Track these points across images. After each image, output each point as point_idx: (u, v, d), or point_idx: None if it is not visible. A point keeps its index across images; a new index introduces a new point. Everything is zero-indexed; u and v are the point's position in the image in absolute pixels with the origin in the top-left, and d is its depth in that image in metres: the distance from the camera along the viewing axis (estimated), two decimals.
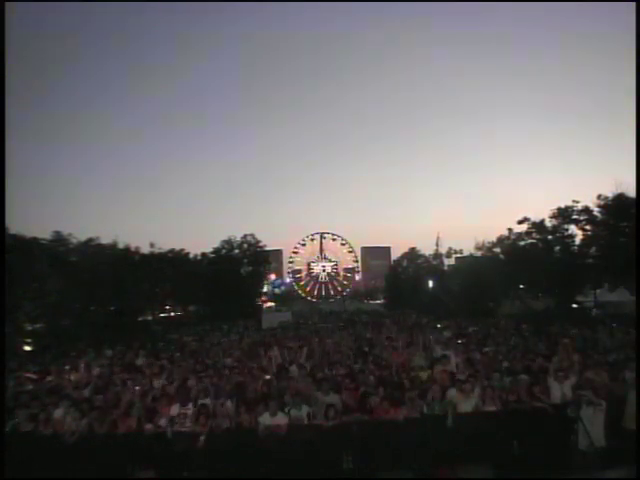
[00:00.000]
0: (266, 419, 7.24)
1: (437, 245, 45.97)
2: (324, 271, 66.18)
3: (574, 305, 31.55)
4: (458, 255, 50.00)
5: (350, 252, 65.51)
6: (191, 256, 49.44)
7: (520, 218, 38.09)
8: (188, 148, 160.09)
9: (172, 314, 42.74)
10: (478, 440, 6.86)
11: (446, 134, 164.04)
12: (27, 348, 22.69)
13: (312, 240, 65.75)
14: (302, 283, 65.38)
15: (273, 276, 65.29)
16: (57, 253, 30.55)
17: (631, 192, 27.18)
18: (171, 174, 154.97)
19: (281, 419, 7.23)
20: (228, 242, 56.74)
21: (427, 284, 43.70)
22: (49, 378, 11.70)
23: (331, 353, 13.38)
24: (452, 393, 7.66)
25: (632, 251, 19.89)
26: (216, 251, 50.80)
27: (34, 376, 12.11)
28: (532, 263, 32.15)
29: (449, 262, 50.25)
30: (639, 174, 10.80)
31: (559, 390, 7.62)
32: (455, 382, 8.09)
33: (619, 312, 25.91)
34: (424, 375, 9.54)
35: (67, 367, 12.94)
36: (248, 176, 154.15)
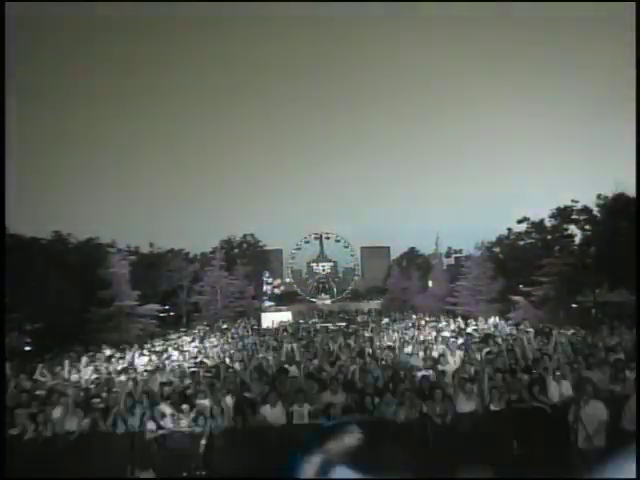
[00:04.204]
0: (266, 410, 7.28)
1: (436, 245, 45.96)
2: (324, 271, 66.16)
3: (573, 305, 31.57)
4: (457, 255, 50.01)
5: (352, 256, 65.61)
6: (191, 256, 49.50)
7: (520, 218, 38.20)
8: (188, 147, 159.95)
9: (171, 314, 42.69)
10: (478, 440, 6.86)
11: (446, 134, 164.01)
12: (26, 348, 22.67)
13: (315, 239, 65.77)
14: (302, 283, 65.42)
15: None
16: (56, 253, 30.55)
17: (631, 192, 27.21)
18: (171, 174, 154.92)
19: (281, 410, 7.29)
20: (228, 242, 56.77)
21: (426, 284, 43.69)
22: (48, 378, 11.69)
23: (331, 353, 13.37)
24: (452, 393, 7.66)
25: (632, 251, 19.88)
26: (214, 251, 50.85)
27: (34, 376, 12.09)
28: (531, 262, 32.17)
29: (448, 262, 50.31)
30: (639, 174, 10.82)
31: (558, 390, 7.62)
32: (455, 382, 8.10)
33: (619, 312, 25.89)
34: (423, 375, 9.54)
35: (66, 366, 12.92)
36: (248, 176, 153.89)
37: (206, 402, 7.84)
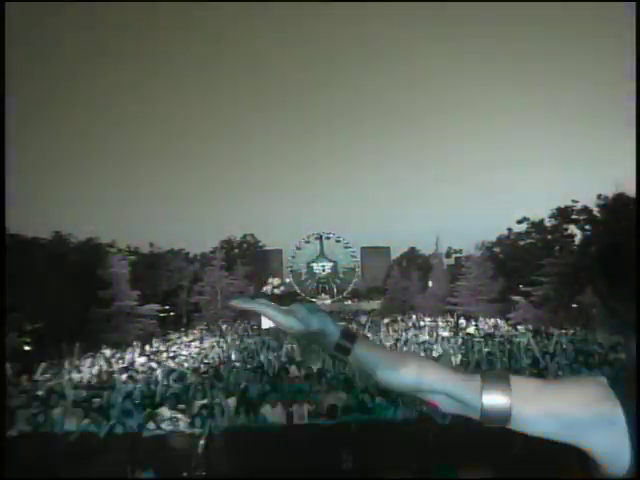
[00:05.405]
0: (266, 410, 7.29)
1: (436, 245, 45.98)
2: (324, 271, 66.08)
3: (573, 305, 31.60)
4: (457, 255, 50.09)
5: (352, 256, 65.63)
6: (191, 256, 49.52)
7: (520, 218, 38.22)
8: (188, 147, 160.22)
9: (171, 314, 42.70)
10: (478, 440, 6.85)
11: (446, 134, 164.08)
12: (26, 348, 22.68)
13: (316, 239, 65.77)
14: (302, 283, 65.39)
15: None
16: (56, 253, 30.57)
17: (631, 192, 27.22)
18: (170, 174, 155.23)
19: (281, 410, 7.31)
20: (228, 242, 56.78)
21: (426, 284, 43.71)
22: (48, 378, 11.69)
23: None
24: None
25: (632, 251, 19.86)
26: (214, 251, 50.85)
27: (34, 376, 12.10)
28: (531, 262, 32.19)
29: (448, 262, 50.33)
30: (639, 174, 10.82)
31: None
32: None
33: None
34: None
35: (66, 366, 12.94)
36: (248, 176, 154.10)
37: (206, 402, 7.84)
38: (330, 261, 66.73)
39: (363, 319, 31.77)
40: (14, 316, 20.81)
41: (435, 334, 17.21)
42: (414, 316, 29.98)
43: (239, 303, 1.04)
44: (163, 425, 7.24)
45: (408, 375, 0.97)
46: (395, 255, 77.17)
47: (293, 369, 10.70)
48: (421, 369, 0.97)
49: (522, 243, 39.01)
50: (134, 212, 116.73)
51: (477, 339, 15.27)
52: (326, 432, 6.92)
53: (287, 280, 68.59)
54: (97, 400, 8.21)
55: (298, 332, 1.00)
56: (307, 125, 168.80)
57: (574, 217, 33.04)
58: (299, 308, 1.01)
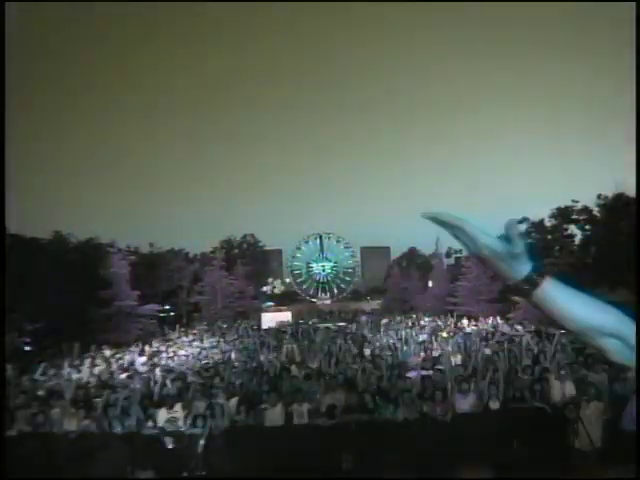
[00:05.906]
0: (266, 410, 7.30)
1: (436, 245, 45.95)
2: (324, 271, 66.10)
3: None
4: (457, 255, 50.07)
5: (352, 256, 65.63)
6: (191, 256, 49.52)
7: (519, 218, 38.17)
8: (188, 147, 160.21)
9: (171, 314, 42.67)
10: (478, 440, 6.85)
11: (446, 134, 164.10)
12: (26, 348, 22.68)
13: (316, 239, 65.83)
14: (302, 283, 65.38)
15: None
16: (56, 253, 30.57)
17: (631, 192, 27.19)
18: (171, 174, 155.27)
19: (281, 410, 7.31)
20: (228, 242, 56.80)
21: (426, 284, 43.69)
22: (48, 378, 11.69)
23: (331, 353, 13.37)
24: (452, 392, 7.66)
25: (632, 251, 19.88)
26: (214, 251, 50.86)
27: (34, 376, 12.09)
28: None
29: (448, 262, 50.29)
30: (639, 174, 10.82)
31: (559, 389, 7.61)
32: (455, 381, 8.09)
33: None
34: (425, 375, 9.53)
35: (66, 367, 12.93)
36: (249, 176, 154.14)
37: (206, 402, 7.83)
38: (330, 261, 66.76)
39: (363, 319, 31.80)
40: (14, 316, 20.80)
41: (435, 334, 17.20)
42: (414, 316, 29.97)
43: (437, 216, 0.99)
44: (162, 425, 7.24)
45: (592, 316, 0.99)
46: (395, 255, 77.21)
47: (293, 369, 10.70)
48: (605, 313, 0.99)
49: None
50: (134, 212, 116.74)
51: (477, 339, 15.25)
52: (326, 432, 6.92)
53: (287, 280, 68.63)
54: (97, 400, 8.21)
55: (492, 252, 0.97)
56: (307, 126, 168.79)
57: (574, 217, 32.99)
58: (514, 226, 0.96)
